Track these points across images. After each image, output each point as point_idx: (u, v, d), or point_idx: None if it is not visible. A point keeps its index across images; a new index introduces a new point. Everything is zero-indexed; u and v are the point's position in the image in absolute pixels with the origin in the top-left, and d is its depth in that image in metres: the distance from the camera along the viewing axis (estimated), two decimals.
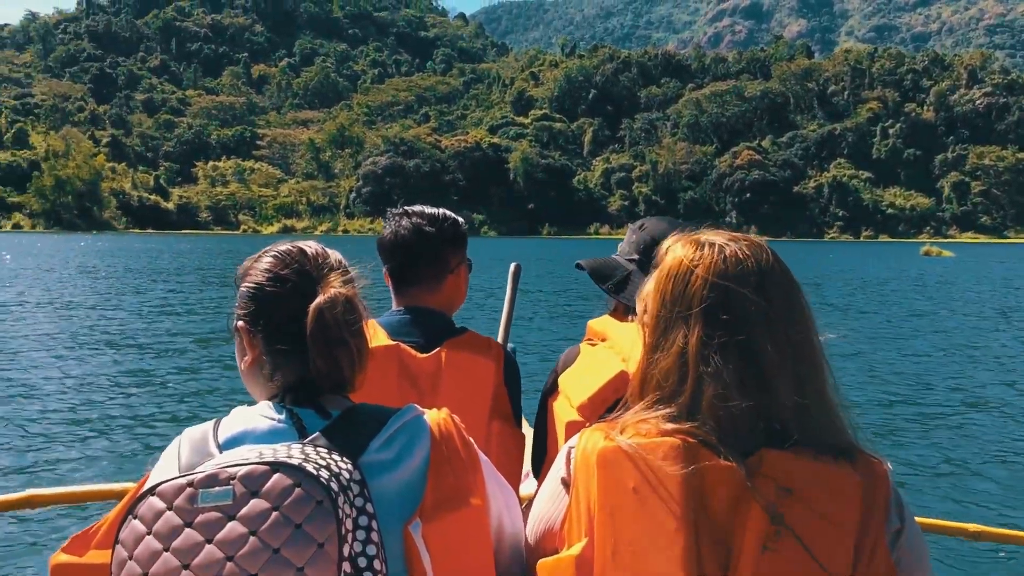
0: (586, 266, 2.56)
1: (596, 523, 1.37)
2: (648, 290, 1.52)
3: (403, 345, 2.33)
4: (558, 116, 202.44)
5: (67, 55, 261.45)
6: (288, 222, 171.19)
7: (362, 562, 1.26)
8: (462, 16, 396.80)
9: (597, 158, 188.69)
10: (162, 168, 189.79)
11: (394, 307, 2.49)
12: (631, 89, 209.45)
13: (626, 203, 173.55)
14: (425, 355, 2.33)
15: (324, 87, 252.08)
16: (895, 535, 1.37)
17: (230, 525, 1.18)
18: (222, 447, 1.38)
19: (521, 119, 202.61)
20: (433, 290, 2.47)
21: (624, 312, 2.41)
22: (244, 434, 1.40)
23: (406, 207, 2.52)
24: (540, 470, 2.44)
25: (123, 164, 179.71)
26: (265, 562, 1.16)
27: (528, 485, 2.76)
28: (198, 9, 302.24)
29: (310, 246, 1.57)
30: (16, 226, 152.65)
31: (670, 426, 1.38)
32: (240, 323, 1.53)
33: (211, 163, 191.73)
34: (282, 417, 1.43)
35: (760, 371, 1.38)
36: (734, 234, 1.50)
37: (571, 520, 1.45)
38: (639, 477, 1.35)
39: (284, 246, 1.56)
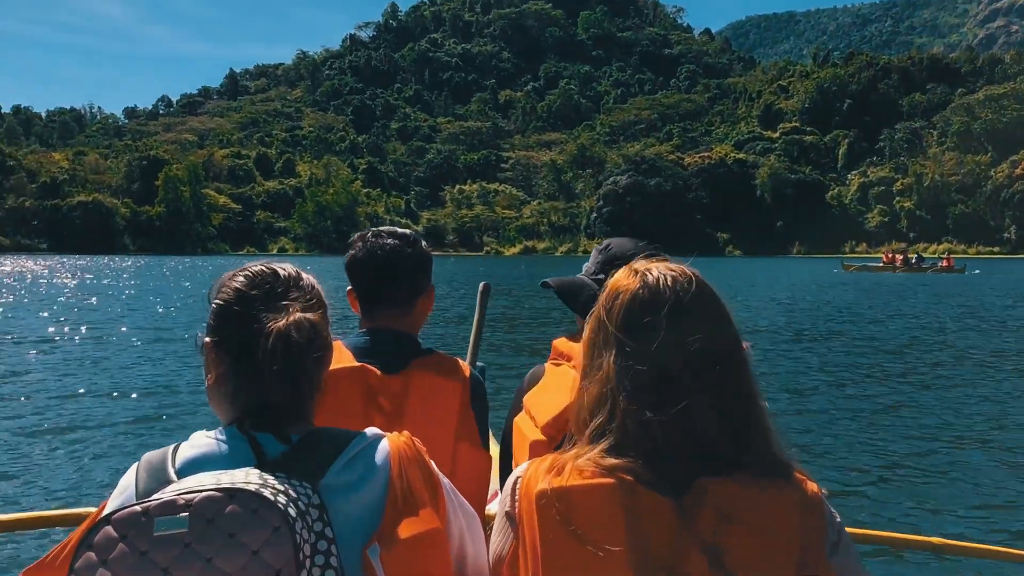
0: (554, 284, 2.56)
1: (540, 563, 1.37)
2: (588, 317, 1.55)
3: (369, 367, 2.31)
4: (809, 129, 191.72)
5: (332, 89, 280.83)
6: (529, 243, 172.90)
7: None
8: (707, 32, 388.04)
9: (853, 172, 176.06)
10: (412, 192, 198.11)
11: (361, 328, 2.47)
12: (891, 97, 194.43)
13: (886, 219, 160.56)
14: (391, 376, 2.32)
15: (567, 109, 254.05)
16: (832, 548, 1.40)
17: (186, 553, 1.16)
18: (180, 473, 1.36)
19: (769, 133, 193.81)
20: (404, 312, 2.47)
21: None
22: (202, 459, 1.39)
23: (377, 228, 2.51)
24: None
25: (377, 189, 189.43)
26: None
27: (493, 506, 2.76)
28: (450, 40, 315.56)
29: (284, 268, 1.57)
30: (281, 249, 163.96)
31: (608, 461, 1.39)
32: (207, 339, 1.53)
33: (458, 186, 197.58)
34: (241, 443, 1.43)
35: (676, 398, 1.39)
36: (669, 264, 1.51)
37: (519, 557, 1.46)
38: (578, 521, 1.35)
39: (257, 267, 1.56)
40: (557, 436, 2.05)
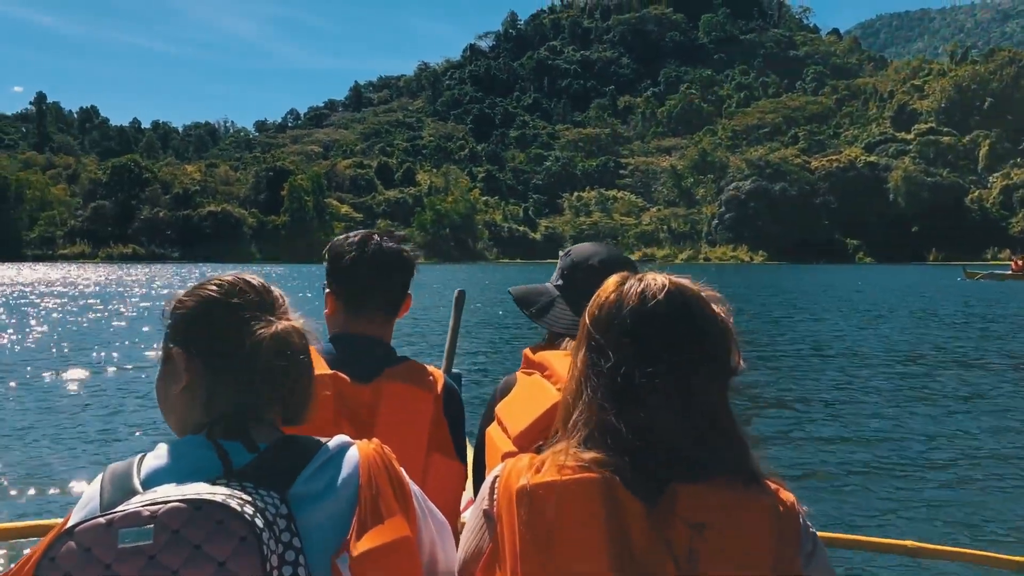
0: (513, 293, 2.57)
1: (519, 563, 1.36)
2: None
3: (341, 375, 2.28)
4: (946, 129, 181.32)
5: (452, 99, 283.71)
6: (648, 250, 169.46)
7: None
8: (835, 32, 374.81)
9: (995, 174, 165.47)
10: (531, 200, 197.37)
11: (334, 333, 2.45)
12: None
13: None
14: (363, 385, 2.29)
15: (688, 113, 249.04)
16: (807, 558, 1.40)
17: (151, 565, 1.15)
18: (145, 483, 1.34)
19: (903, 135, 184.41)
20: (388, 318, 2.46)
21: (553, 339, 2.44)
22: (168, 470, 1.36)
23: (369, 231, 2.49)
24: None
25: (495, 197, 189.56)
26: None
27: (467, 514, 2.79)
28: (568, 47, 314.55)
29: (254, 278, 1.57)
30: None
31: (588, 455, 1.40)
32: (176, 348, 1.51)
33: (576, 194, 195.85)
34: (207, 452, 1.41)
35: (638, 403, 1.41)
36: (662, 275, 1.53)
37: (494, 553, 1.45)
38: (558, 517, 1.35)
39: (229, 276, 1.56)
40: (528, 447, 2.04)
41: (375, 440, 1.55)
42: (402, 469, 1.55)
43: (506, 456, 2.05)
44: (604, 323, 1.48)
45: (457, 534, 1.80)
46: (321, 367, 2.21)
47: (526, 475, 1.41)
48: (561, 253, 2.57)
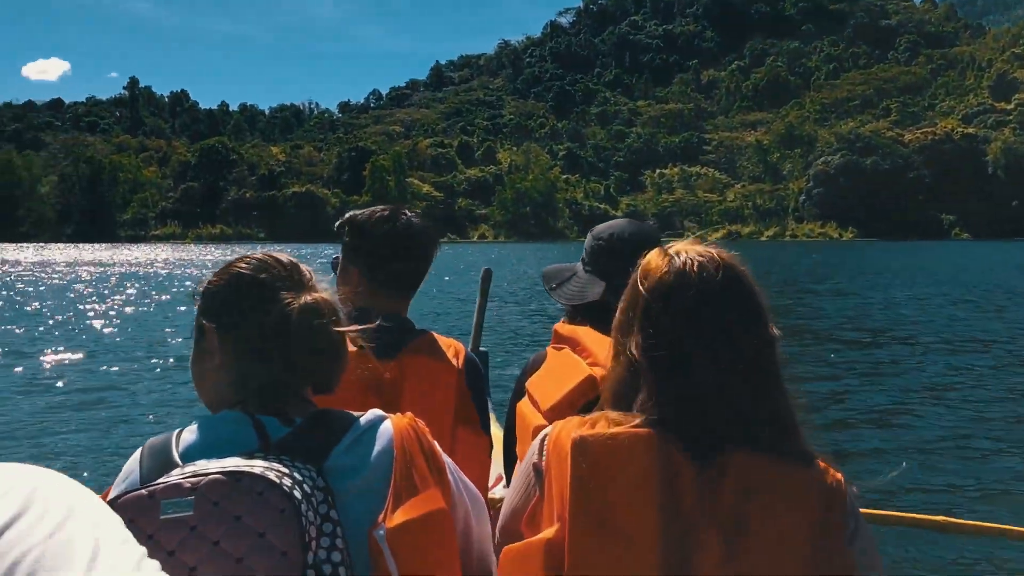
0: (544, 271, 2.62)
1: (568, 508, 1.38)
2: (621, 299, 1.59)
3: (366, 352, 2.21)
4: None
5: (532, 76, 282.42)
6: (733, 227, 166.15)
7: (327, 569, 1.26)
8: None
9: None
10: (612, 177, 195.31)
11: (357, 309, 2.32)
12: None
13: None
14: (387, 362, 2.28)
15: (774, 87, 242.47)
16: (851, 536, 1.41)
17: (192, 536, 1.17)
18: (184, 457, 1.35)
19: (1002, 105, 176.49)
20: (409, 294, 2.47)
21: (574, 315, 2.45)
22: (205, 444, 1.38)
23: (391, 207, 2.48)
24: (511, 474, 2.42)
25: (576, 175, 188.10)
26: (228, 572, 1.16)
27: (498, 491, 2.80)
28: (651, 21, 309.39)
29: (283, 255, 1.59)
30: (481, 236, 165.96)
31: (640, 418, 1.43)
32: (208, 325, 1.53)
33: (658, 170, 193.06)
34: (244, 426, 1.42)
35: (697, 382, 1.42)
36: (701, 247, 1.55)
37: (542, 505, 1.46)
38: (611, 464, 1.37)
39: (258, 254, 1.59)
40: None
41: (408, 414, 1.57)
42: (435, 442, 1.57)
43: (536, 430, 2.04)
44: (660, 298, 1.47)
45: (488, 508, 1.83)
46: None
47: (578, 429, 1.43)
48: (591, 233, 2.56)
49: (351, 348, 2.12)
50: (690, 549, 1.34)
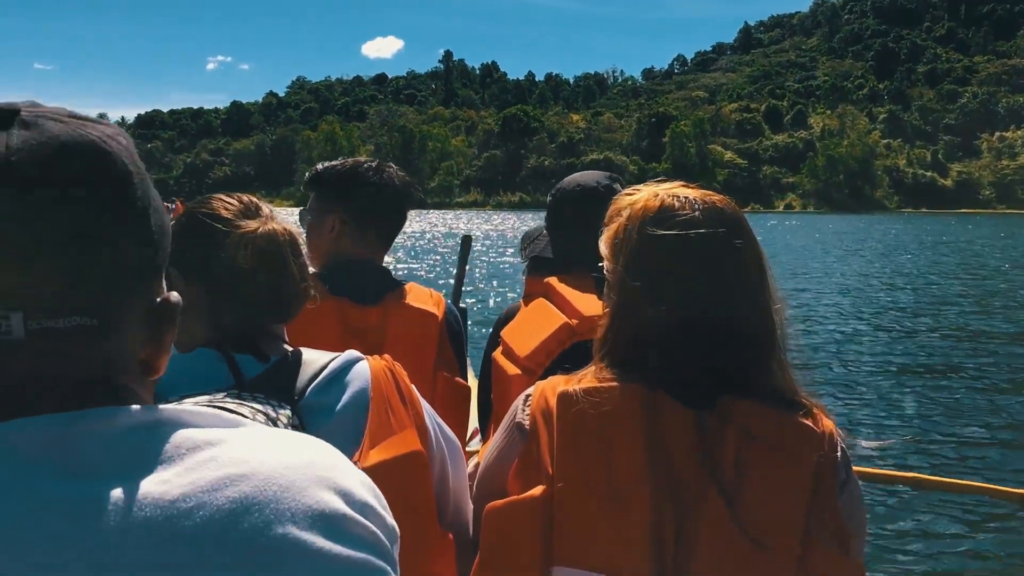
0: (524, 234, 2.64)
1: (556, 465, 1.36)
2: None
3: (345, 300, 2.29)
4: None
5: (851, 34, 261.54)
6: None
7: None
8: None
9: None
10: (941, 143, 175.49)
11: (336, 257, 2.41)
12: None
13: None
14: (368, 308, 2.30)
15: None
16: (841, 485, 1.41)
17: None
18: (157, 397, 1.21)
19: None
20: (388, 244, 2.49)
21: (532, 270, 2.45)
22: (179, 382, 1.33)
23: (369, 159, 2.47)
24: (486, 426, 2.48)
25: (899, 140, 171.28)
26: None
27: (474, 444, 2.85)
28: None
29: (245, 196, 1.59)
30: (788, 206, 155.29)
31: (628, 371, 1.40)
32: (172, 270, 1.47)
33: (998, 134, 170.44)
34: (219, 364, 1.42)
35: (692, 326, 1.39)
36: (688, 186, 1.50)
37: (527, 464, 1.44)
38: (600, 419, 1.35)
39: (218, 194, 1.58)
40: (537, 369, 2.05)
41: (386, 356, 1.57)
42: (412, 386, 1.56)
43: (515, 378, 2.07)
44: (644, 241, 1.43)
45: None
46: (322, 293, 2.13)
47: (564, 385, 1.42)
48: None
49: (329, 297, 2.15)
50: (685, 501, 1.32)
